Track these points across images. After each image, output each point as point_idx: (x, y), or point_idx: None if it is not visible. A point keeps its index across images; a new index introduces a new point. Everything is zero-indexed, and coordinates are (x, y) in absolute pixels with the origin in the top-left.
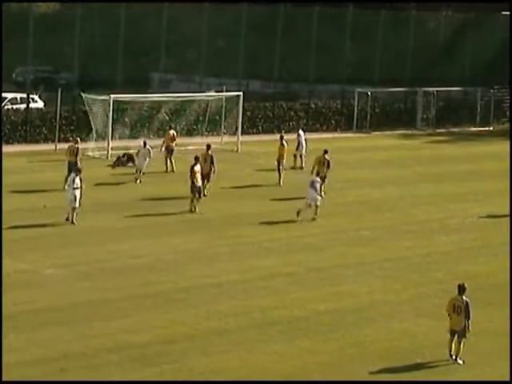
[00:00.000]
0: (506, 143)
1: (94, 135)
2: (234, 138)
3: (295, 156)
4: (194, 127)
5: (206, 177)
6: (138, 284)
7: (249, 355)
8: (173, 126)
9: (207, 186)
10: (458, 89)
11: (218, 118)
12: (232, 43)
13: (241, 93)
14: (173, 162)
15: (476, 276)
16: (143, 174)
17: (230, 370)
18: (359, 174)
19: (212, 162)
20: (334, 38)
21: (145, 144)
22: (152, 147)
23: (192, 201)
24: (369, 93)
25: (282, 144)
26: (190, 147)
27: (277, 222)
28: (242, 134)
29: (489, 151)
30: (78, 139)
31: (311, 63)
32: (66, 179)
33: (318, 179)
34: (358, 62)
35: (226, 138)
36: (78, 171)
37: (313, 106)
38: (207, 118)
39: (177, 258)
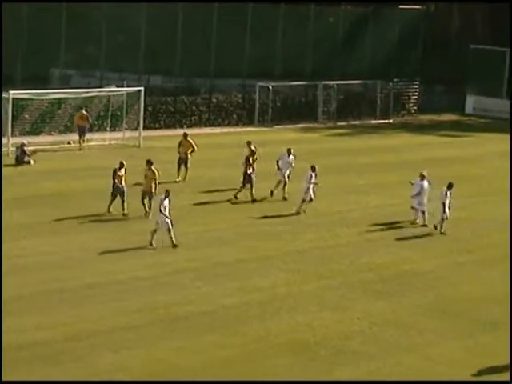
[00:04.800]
0: (404, 136)
1: None
2: (136, 133)
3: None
4: (96, 123)
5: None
6: (46, 280)
7: (155, 351)
8: (85, 108)
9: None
10: (358, 82)
11: (119, 113)
12: (132, 38)
13: (142, 88)
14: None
15: (378, 267)
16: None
17: (135, 367)
18: (260, 168)
19: (155, 181)
20: (234, 33)
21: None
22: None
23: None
24: (270, 86)
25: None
26: (92, 143)
27: (184, 218)
28: (143, 129)
29: (388, 144)
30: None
31: (212, 58)
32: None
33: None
34: (259, 56)
35: (127, 134)
36: (167, 193)
37: (214, 100)
38: (109, 114)
39: (83, 256)
